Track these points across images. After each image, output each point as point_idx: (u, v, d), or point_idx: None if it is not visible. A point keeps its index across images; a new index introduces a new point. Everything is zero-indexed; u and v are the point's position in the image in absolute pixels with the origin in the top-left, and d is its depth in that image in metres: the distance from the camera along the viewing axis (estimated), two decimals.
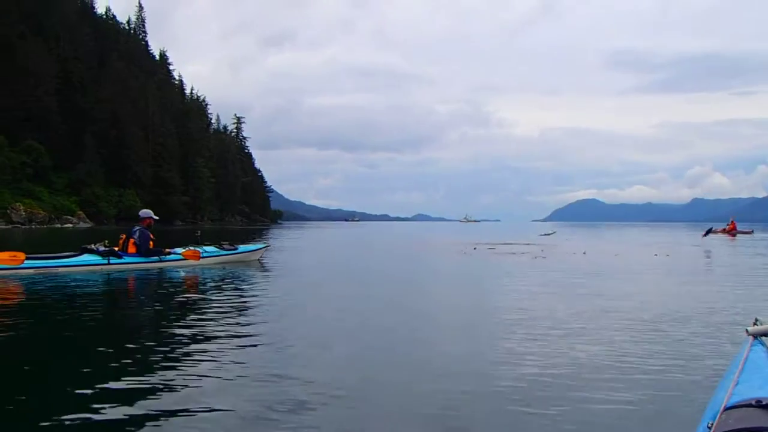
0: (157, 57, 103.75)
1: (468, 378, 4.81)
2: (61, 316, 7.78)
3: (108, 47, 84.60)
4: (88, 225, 68.81)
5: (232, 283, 11.56)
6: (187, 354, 5.48)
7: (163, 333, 6.63)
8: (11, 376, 4.86)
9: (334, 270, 16.11)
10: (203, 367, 4.98)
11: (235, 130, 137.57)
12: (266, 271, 14.48)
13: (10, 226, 56.54)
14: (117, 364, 5.03)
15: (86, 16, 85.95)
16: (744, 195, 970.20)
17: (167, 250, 14.32)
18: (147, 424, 3.72)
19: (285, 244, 29.91)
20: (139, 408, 3.96)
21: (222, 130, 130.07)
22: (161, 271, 13.44)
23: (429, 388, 4.54)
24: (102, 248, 13.19)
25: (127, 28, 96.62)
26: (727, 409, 2.08)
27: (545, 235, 29.38)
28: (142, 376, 4.69)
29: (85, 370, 4.98)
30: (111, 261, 13.14)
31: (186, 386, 4.45)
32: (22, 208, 62.53)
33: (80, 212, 72.48)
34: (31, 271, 11.97)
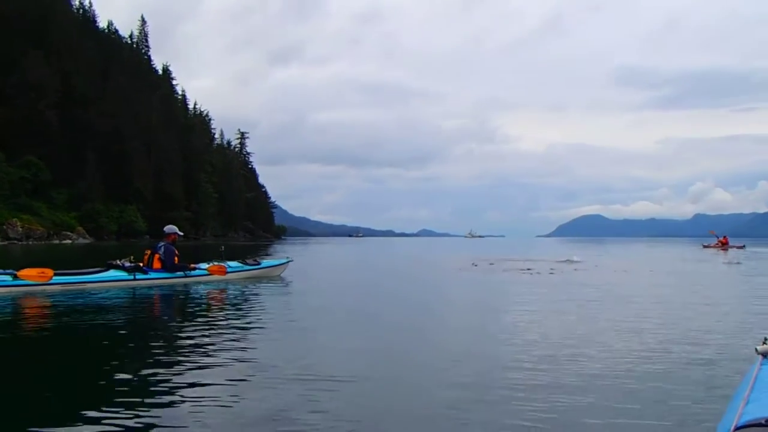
0: (160, 71, 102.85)
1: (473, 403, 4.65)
2: (86, 331, 7.89)
3: (110, 61, 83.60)
4: (88, 241, 68.05)
5: (254, 298, 11.82)
6: (206, 366, 5.68)
7: (185, 346, 6.75)
8: (33, 385, 5.14)
9: (342, 286, 16.44)
10: (221, 379, 5.16)
11: (239, 146, 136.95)
12: (287, 286, 14.72)
13: (6, 242, 55.58)
14: (138, 378, 5.22)
15: (88, 29, 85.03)
16: (746, 210, 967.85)
17: (192, 265, 14.45)
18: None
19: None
20: (151, 420, 4.12)
21: (226, 146, 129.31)
22: (186, 286, 13.60)
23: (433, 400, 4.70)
24: (128, 264, 13.39)
25: (129, 42, 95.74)
26: (737, 428, 2.11)
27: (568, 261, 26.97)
28: (161, 390, 4.84)
29: (102, 383, 5.13)
30: (137, 276, 13.32)
31: (202, 397, 4.64)
32: (18, 224, 61.45)
33: (80, 228, 71.32)
34: (58, 287, 12.05)
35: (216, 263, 14.97)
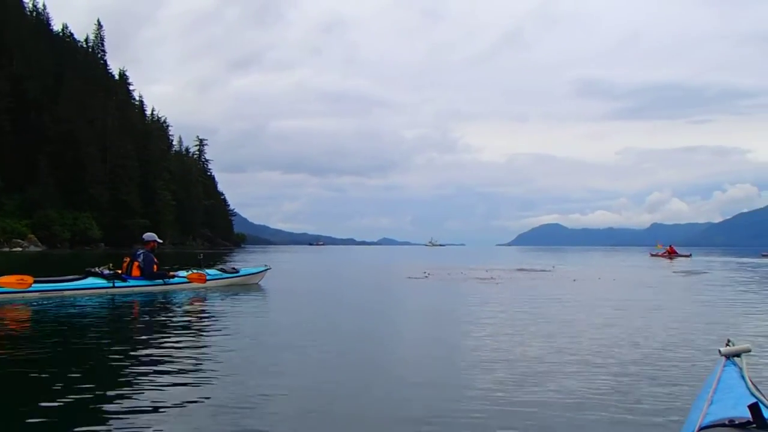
0: (117, 76, 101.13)
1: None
2: (65, 339, 7.88)
3: (64, 65, 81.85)
4: (40, 249, 66.24)
5: (232, 307, 11.93)
6: (181, 372, 5.76)
7: (161, 354, 6.77)
8: (14, 392, 5.22)
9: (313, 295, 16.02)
10: (196, 386, 5.25)
11: (197, 152, 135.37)
12: (265, 294, 14.83)
13: None
14: (116, 384, 5.38)
15: (42, 33, 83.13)
16: (701, 220, 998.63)
17: (171, 273, 14.46)
18: None
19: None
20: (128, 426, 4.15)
21: (184, 152, 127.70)
22: (165, 294, 13.60)
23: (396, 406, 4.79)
24: (107, 271, 13.39)
25: (85, 46, 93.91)
26: (701, 429, 2.16)
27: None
28: (139, 396, 4.90)
29: (81, 388, 5.10)
30: (116, 284, 13.30)
31: (173, 405, 4.65)
32: None
33: (32, 236, 69.35)
34: (37, 294, 12.00)
35: (195, 271, 15.00)
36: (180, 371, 5.85)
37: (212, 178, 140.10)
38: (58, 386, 5.15)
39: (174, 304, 12.16)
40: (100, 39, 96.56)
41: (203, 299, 13.14)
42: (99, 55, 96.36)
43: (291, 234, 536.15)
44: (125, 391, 5.14)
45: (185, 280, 14.55)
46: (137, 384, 5.35)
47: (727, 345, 2.99)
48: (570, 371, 5.90)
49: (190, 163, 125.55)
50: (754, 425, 2.10)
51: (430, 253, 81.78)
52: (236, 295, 13.88)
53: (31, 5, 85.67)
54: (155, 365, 6.14)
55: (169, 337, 8.03)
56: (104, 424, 4.21)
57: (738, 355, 2.89)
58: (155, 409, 4.53)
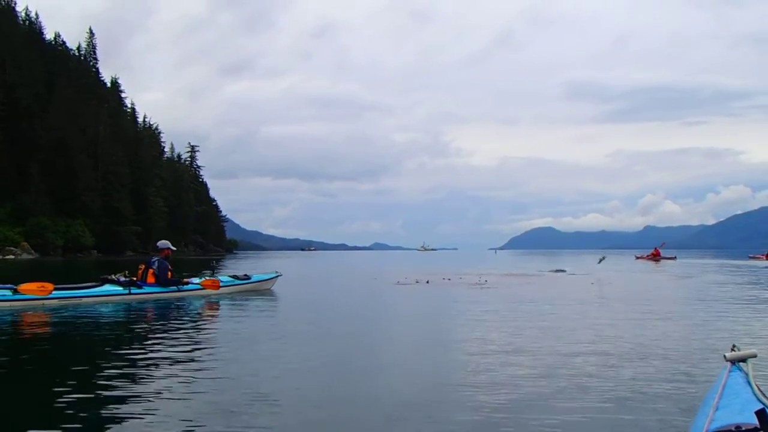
0: (109, 84, 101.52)
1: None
2: (82, 343, 8.40)
3: (56, 73, 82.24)
4: (33, 256, 66.42)
5: (244, 313, 12.34)
6: (190, 380, 5.89)
7: (175, 359, 6.99)
8: (35, 391, 5.59)
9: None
10: (204, 390, 5.48)
11: (189, 159, 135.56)
12: (276, 300, 15.05)
13: None
14: (132, 389, 5.58)
15: (34, 41, 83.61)
16: (694, 222, 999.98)
17: (185, 280, 14.82)
18: None
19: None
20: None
21: (176, 159, 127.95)
22: (179, 300, 13.94)
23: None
24: (123, 279, 13.71)
25: (77, 54, 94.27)
26: None
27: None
28: (154, 401, 5.09)
29: (99, 393, 5.37)
30: (132, 291, 13.63)
31: (181, 410, 4.84)
32: None
33: (24, 243, 69.65)
34: (56, 301, 12.39)
35: (209, 278, 15.38)
36: (188, 376, 6.09)
37: (204, 185, 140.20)
38: (74, 387, 5.52)
39: (188, 311, 12.50)
40: (92, 47, 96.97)
41: (216, 305, 13.55)
42: (91, 63, 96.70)
43: (283, 239, 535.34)
44: (137, 392, 5.44)
45: (199, 286, 14.86)
46: (145, 386, 5.70)
47: (733, 350, 2.96)
48: (571, 376, 5.87)
49: (181, 169, 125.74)
50: (762, 431, 2.08)
51: (422, 257, 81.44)
52: (247, 301, 14.19)
53: (23, 14, 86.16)
54: (163, 369, 6.45)
55: (180, 343, 8.26)
56: (113, 423, 4.54)
57: (744, 360, 2.86)
58: (156, 412, 4.77)
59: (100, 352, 7.79)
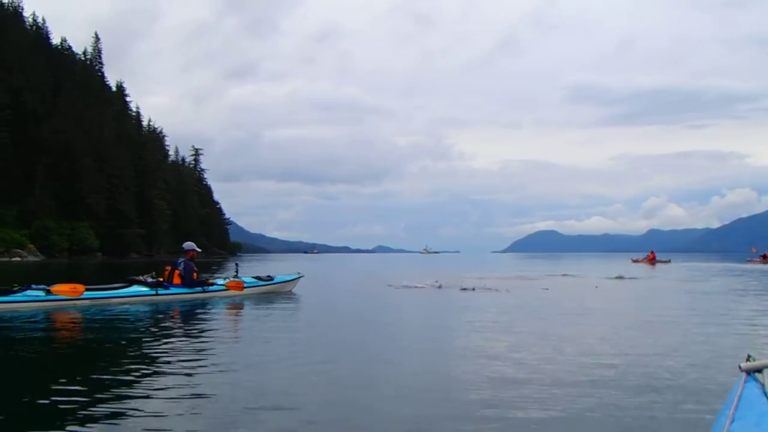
0: (114, 88, 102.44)
1: None
2: (113, 343, 8.68)
3: (62, 78, 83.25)
4: (38, 259, 67.04)
5: (268, 314, 12.57)
6: (211, 377, 6.20)
7: (201, 359, 7.25)
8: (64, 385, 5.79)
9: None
10: (218, 391, 5.61)
11: (193, 162, 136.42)
12: (298, 301, 15.42)
13: None
14: (160, 388, 5.77)
15: (41, 46, 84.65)
16: (699, 226, 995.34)
17: (210, 281, 15.22)
18: None
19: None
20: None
21: (180, 162, 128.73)
22: (205, 301, 14.32)
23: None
24: (150, 280, 14.08)
25: (83, 58, 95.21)
26: None
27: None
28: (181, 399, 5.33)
29: (131, 391, 5.64)
30: (159, 292, 13.99)
31: (197, 407, 5.09)
32: None
33: (30, 245, 70.45)
34: (87, 302, 12.76)
35: (233, 279, 15.71)
36: (207, 376, 6.29)
37: (208, 188, 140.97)
38: (102, 384, 5.85)
39: (212, 311, 12.79)
40: (97, 51, 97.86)
41: (240, 306, 13.90)
42: (96, 68, 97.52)
43: (287, 242, 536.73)
44: (159, 388, 5.71)
45: (224, 288, 15.21)
46: (167, 385, 5.86)
47: (748, 360, 2.86)
48: (580, 386, 5.75)
49: (185, 172, 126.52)
50: None
51: (425, 260, 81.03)
52: (270, 302, 14.45)
53: (31, 19, 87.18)
54: (185, 368, 6.62)
55: (204, 344, 8.45)
56: (130, 418, 4.74)
57: (760, 370, 2.76)
58: (161, 411, 4.93)
59: (126, 351, 8.07)
